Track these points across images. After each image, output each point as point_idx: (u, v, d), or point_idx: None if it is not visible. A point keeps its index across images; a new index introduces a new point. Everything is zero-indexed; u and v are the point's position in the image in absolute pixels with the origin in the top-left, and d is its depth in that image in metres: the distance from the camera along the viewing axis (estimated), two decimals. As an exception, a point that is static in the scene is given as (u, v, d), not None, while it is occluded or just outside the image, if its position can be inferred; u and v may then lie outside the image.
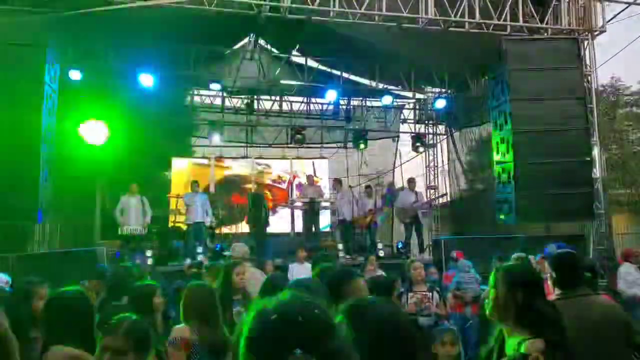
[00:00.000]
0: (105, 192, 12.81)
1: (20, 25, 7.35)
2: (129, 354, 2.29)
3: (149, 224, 10.92)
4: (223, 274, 4.54)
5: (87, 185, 12.29)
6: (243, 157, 15.71)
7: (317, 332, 1.14)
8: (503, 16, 8.89)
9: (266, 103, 14.77)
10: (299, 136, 14.41)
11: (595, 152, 9.09)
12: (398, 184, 15.41)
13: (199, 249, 10.59)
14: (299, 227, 13.29)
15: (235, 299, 4.33)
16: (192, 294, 3.63)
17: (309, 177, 13.66)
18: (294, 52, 13.26)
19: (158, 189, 13.62)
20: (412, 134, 15.43)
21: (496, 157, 9.52)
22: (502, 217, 9.33)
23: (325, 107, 15.13)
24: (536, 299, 2.46)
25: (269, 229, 11.98)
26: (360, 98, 15.26)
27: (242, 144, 15.59)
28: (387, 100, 13.55)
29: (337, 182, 13.02)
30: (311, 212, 12.17)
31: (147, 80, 11.24)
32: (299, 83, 12.71)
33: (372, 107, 15.47)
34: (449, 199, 15.20)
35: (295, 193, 14.57)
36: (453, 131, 14.99)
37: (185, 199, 11.62)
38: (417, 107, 16.02)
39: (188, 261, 10.15)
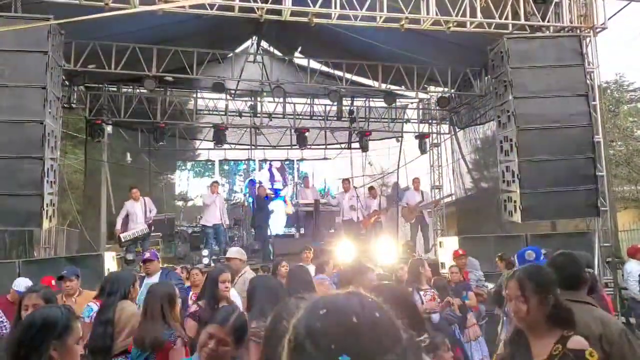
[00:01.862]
0: (110, 197, 12.86)
1: (23, 31, 7.39)
2: (230, 345, 2.53)
3: (151, 219, 10.90)
4: (209, 282, 4.23)
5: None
6: (247, 160, 15.77)
7: (373, 340, 0.90)
8: (504, 15, 8.88)
9: (269, 105, 14.76)
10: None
11: (600, 148, 9.05)
12: (403, 184, 15.41)
13: (205, 252, 10.55)
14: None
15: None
16: (153, 290, 3.77)
17: (305, 180, 13.68)
18: (297, 54, 13.27)
19: (161, 192, 13.67)
20: (416, 134, 15.40)
21: (500, 155, 9.50)
22: (507, 215, 9.30)
23: (328, 108, 15.14)
24: (560, 297, 2.43)
25: (273, 231, 11.99)
26: (364, 99, 15.26)
27: (247, 147, 15.64)
28: (390, 100, 13.54)
29: (346, 182, 12.93)
30: (314, 213, 12.17)
31: (150, 84, 11.27)
32: (302, 84, 12.71)
33: (375, 107, 15.46)
34: (453, 198, 15.18)
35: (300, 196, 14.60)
36: (457, 130, 14.97)
37: (205, 200, 11.59)
38: (421, 106, 16.02)
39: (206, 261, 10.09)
